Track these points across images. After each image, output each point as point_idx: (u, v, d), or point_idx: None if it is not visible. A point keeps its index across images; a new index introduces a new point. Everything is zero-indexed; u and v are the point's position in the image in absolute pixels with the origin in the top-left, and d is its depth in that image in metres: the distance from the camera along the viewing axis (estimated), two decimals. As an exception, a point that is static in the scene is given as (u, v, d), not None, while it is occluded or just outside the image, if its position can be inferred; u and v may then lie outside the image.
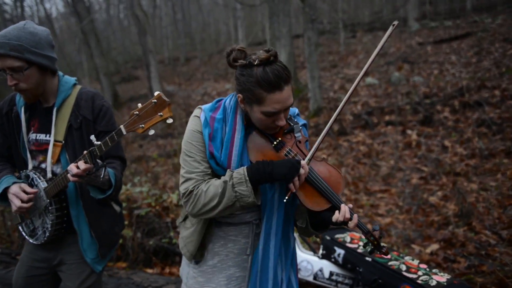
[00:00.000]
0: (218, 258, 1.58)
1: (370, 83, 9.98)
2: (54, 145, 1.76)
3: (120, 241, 3.39)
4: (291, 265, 1.57)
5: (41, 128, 1.80)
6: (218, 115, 1.48)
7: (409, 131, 6.81)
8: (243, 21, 16.81)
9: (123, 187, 3.74)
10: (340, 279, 2.39)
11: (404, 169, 5.52)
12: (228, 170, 1.42)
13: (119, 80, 19.40)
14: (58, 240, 1.85)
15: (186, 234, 1.61)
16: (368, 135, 7.24)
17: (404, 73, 9.96)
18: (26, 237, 1.89)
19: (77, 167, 1.52)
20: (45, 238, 1.78)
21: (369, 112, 8.08)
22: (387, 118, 7.64)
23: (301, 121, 1.56)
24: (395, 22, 1.44)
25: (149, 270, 3.21)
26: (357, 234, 2.51)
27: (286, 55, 10.40)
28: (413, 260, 2.18)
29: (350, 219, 1.34)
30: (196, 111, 1.53)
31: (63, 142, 1.76)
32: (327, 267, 2.42)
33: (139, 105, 1.40)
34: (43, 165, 1.80)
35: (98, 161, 1.56)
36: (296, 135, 1.46)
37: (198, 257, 1.60)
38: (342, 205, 1.36)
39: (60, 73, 1.84)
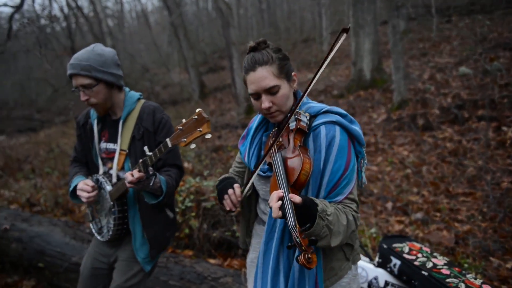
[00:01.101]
0: (255, 254, 1.67)
1: (464, 73, 9.14)
2: (119, 153, 1.98)
3: (187, 230, 3.61)
4: (307, 278, 1.43)
5: (110, 138, 2.03)
6: (259, 115, 1.67)
7: (504, 128, 6.14)
8: (328, 8, 16.38)
9: (192, 180, 3.95)
10: (395, 290, 2.28)
11: (494, 171, 5.01)
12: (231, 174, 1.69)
13: (206, 70, 20.23)
14: (119, 239, 2.06)
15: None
16: (457, 131, 6.67)
17: (504, 62, 8.94)
18: (95, 234, 2.11)
19: (131, 175, 1.69)
20: (109, 236, 1.99)
21: (459, 106, 7.43)
22: (480, 112, 6.96)
23: (328, 117, 1.44)
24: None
25: (212, 261, 3.37)
26: (417, 245, 2.37)
27: (370, 44, 9.97)
28: (475, 279, 1.99)
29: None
30: None
31: (127, 151, 1.96)
32: (382, 276, 2.33)
33: (183, 120, 1.50)
34: (111, 171, 2.01)
35: (150, 169, 1.70)
36: (291, 125, 1.45)
37: (243, 245, 1.79)
38: (279, 191, 1.27)
39: (127, 88, 2.05)
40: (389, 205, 4.46)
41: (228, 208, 1.54)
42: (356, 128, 1.45)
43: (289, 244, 1.22)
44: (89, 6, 21.35)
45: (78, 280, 2.14)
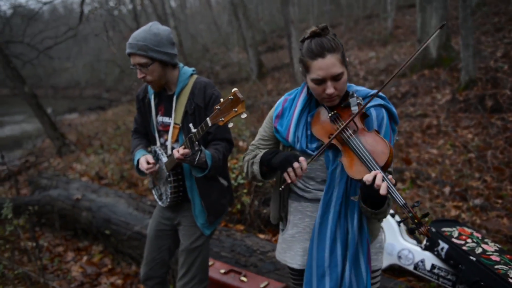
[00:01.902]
0: (296, 230, 1.74)
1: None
2: (173, 127, 2.11)
3: (239, 206, 3.76)
4: (360, 245, 1.58)
5: (166, 112, 2.16)
6: (291, 96, 1.74)
7: None
8: (393, -18, 15.56)
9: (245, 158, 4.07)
10: (442, 273, 2.25)
11: None
12: (260, 151, 1.74)
13: (264, 49, 20.19)
14: (178, 205, 2.23)
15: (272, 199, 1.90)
16: (530, 113, 6.18)
17: None
18: (156, 199, 2.31)
19: (177, 152, 1.83)
20: (168, 202, 2.16)
21: (535, 85, 6.84)
22: (559, 92, 6.37)
23: (376, 101, 1.59)
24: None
25: (261, 236, 3.49)
26: (467, 230, 2.30)
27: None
28: (527, 268, 1.91)
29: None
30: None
31: (180, 124, 2.07)
32: (429, 259, 2.30)
33: (221, 100, 1.58)
34: (167, 143, 2.15)
35: (196, 144, 1.82)
36: (353, 108, 1.51)
37: (275, 221, 1.88)
38: (379, 174, 1.37)
39: (181, 64, 2.16)
40: (447, 189, 4.30)
41: (290, 181, 1.54)
42: (394, 109, 1.62)
43: (401, 219, 1.40)
44: (153, -12, 22.05)
45: (146, 242, 2.37)
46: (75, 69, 28.84)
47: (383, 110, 1.58)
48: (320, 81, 1.51)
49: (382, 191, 1.34)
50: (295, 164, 1.50)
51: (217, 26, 20.01)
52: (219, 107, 1.60)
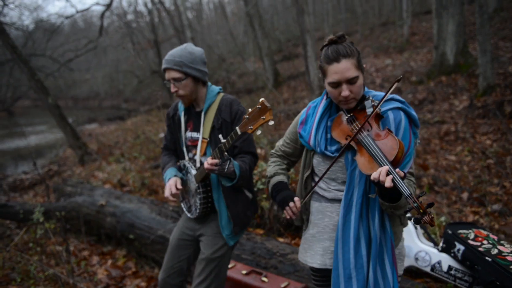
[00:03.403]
0: (316, 229, 1.83)
1: None
2: (202, 141, 2.24)
3: (259, 211, 3.85)
4: (384, 244, 1.64)
5: (194, 128, 2.31)
6: (314, 103, 1.86)
7: None
8: (409, -11, 15.55)
9: (264, 164, 4.17)
10: (459, 274, 2.29)
11: None
12: (275, 179, 1.92)
13: (280, 58, 20.35)
14: (205, 216, 2.33)
15: None
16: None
17: None
18: (186, 211, 2.41)
19: (207, 162, 1.95)
20: (197, 214, 2.28)
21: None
22: None
23: (394, 104, 1.66)
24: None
25: (280, 239, 3.57)
26: (483, 232, 2.34)
27: (454, 26, 9.37)
28: (543, 268, 1.94)
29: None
30: None
31: (208, 139, 2.22)
32: (446, 260, 2.34)
33: (249, 110, 1.69)
34: (195, 157, 2.28)
35: (225, 154, 1.95)
36: (368, 110, 1.62)
37: (298, 222, 1.98)
38: (385, 166, 1.45)
39: (209, 83, 2.29)
40: (465, 195, 4.31)
41: (289, 217, 1.77)
42: (414, 113, 1.66)
43: (406, 209, 1.44)
44: (170, 0, 22.55)
45: (167, 249, 2.47)
46: (94, 81, 29.55)
47: (401, 113, 1.64)
48: (336, 84, 1.62)
49: (387, 183, 1.41)
50: (290, 204, 1.74)
51: (233, 36, 20.27)
52: (247, 116, 1.72)
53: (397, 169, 1.44)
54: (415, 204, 1.36)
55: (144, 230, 3.92)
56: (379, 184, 1.45)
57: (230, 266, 2.91)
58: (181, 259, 2.41)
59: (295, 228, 3.71)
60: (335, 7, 24.09)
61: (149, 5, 22.02)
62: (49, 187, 6.32)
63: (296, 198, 1.75)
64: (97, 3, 27.83)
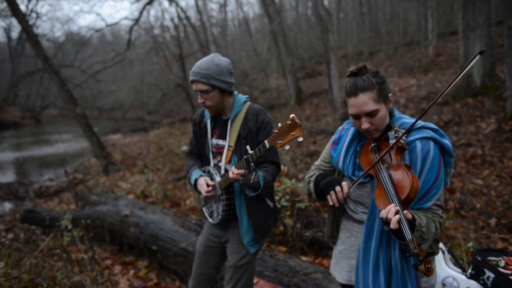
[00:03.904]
0: (344, 246, 1.86)
1: None
2: (227, 149, 2.28)
3: (282, 228, 3.85)
4: (408, 275, 1.60)
5: (220, 135, 2.35)
6: (348, 125, 1.87)
7: None
8: (435, 10, 15.48)
9: (288, 181, 4.19)
10: (489, 303, 2.23)
11: None
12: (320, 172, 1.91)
13: (303, 75, 20.46)
14: (227, 223, 2.37)
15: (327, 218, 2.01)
16: None
17: None
18: (207, 216, 2.45)
19: (233, 172, 1.99)
20: (218, 220, 2.31)
21: None
22: None
23: (424, 133, 1.60)
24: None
25: (303, 258, 3.56)
26: (515, 260, 2.28)
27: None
28: None
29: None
30: None
31: (234, 147, 2.25)
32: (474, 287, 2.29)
33: (279, 124, 1.73)
34: (220, 164, 2.32)
35: (251, 165, 1.97)
36: (391, 142, 1.60)
37: (334, 240, 1.98)
38: (393, 205, 1.43)
39: (236, 92, 2.34)
40: (493, 221, 4.20)
41: (332, 203, 1.68)
42: (447, 142, 1.61)
43: (407, 254, 1.40)
44: (196, 16, 23.07)
45: (195, 257, 2.51)
46: (119, 92, 30.24)
47: (431, 143, 1.57)
48: (356, 117, 1.64)
49: (392, 225, 1.40)
50: (337, 188, 1.66)
51: (257, 52, 20.52)
52: (277, 131, 1.76)
53: (406, 211, 1.42)
54: (415, 251, 1.34)
55: (167, 242, 3.96)
56: (386, 222, 1.45)
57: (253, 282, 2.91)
58: (209, 266, 2.45)
59: (318, 247, 3.69)
60: (359, 26, 24.15)
61: (176, 20, 22.54)
62: (78, 195, 6.47)
63: (344, 183, 1.68)
64: (126, 18, 28.68)
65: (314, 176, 1.87)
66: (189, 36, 24.15)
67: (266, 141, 1.84)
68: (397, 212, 1.41)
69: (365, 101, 1.58)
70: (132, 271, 4.22)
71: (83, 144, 16.35)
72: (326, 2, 11.37)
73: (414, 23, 22.65)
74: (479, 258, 2.34)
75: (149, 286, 3.88)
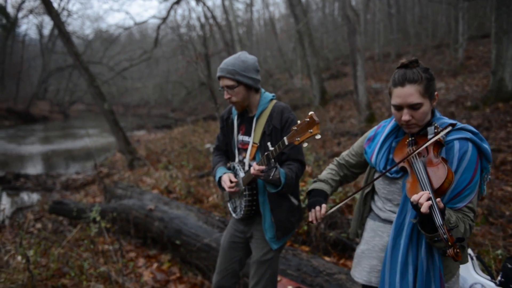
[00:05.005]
0: (366, 246, 1.85)
1: None
2: (252, 146, 2.31)
3: (305, 227, 3.84)
4: (433, 274, 1.59)
5: (246, 132, 2.38)
6: (386, 122, 1.87)
7: None
8: (466, 12, 15.10)
9: (311, 181, 4.16)
10: (519, 312, 2.17)
11: None
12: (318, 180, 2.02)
13: (328, 76, 20.31)
14: (251, 218, 2.39)
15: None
16: None
17: None
18: (231, 211, 2.48)
19: (253, 168, 2.01)
20: (241, 215, 2.34)
21: None
22: None
23: (463, 134, 1.59)
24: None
25: (327, 258, 3.54)
26: (548, 269, 2.21)
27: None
28: None
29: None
30: None
31: (258, 144, 2.27)
32: (504, 295, 2.24)
33: (298, 122, 1.74)
34: (244, 160, 2.35)
35: (272, 162, 1.99)
36: (429, 137, 1.59)
37: (353, 236, 1.99)
38: (426, 191, 1.44)
39: (262, 90, 2.36)
40: (523, 229, 4.08)
41: (310, 219, 1.83)
42: (486, 146, 1.60)
43: (436, 239, 1.42)
44: (222, 15, 23.25)
45: (219, 252, 2.55)
46: (145, 89, 30.76)
47: (469, 144, 1.57)
48: (398, 107, 1.63)
49: (423, 209, 1.40)
50: (317, 208, 1.81)
51: (281, 52, 20.49)
52: (296, 128, 1.78)
53: (438, 199, 1.43)
54: (445, 236, 1.35)
55: (191, 237, 4.01)
56: (417, 207, 1.45)
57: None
58: (234, 261, 2.48)
59: (342, 248, 3.67)
60: (386, 27, 23.82)
61: (202, 19, 22.78)
62: (106, 188, 6.63)
63: (323, 205, 1.81)
64: (154, 16, 29.13)
65: (312, 187, 2.00)
66: (215, 35, 24.36)
67: (285, 138, 1.86)
68: (429, 199, 1.41)
69: (411, 92, 1.58)
70: (155, 264, 4.29)
71: (108, 139, 16.73)
72: (353, 3, 11.24)
73: (444, 25, 22.19)
74: (509, 266, 2.29)
75: (171, 279, 3.94)
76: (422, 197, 1.42)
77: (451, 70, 14.35)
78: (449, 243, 1.34)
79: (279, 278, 2.95)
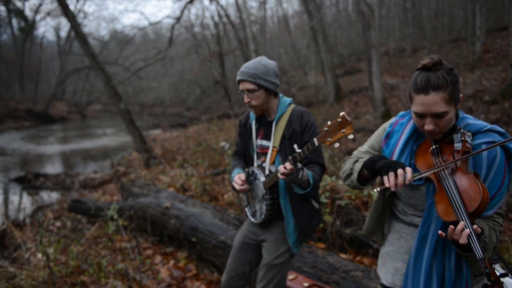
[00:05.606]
0: (391, 248, 1.80)
1: None
2: (272, 150, 2.32)
3: (321, 224, 3.83)
4: (459, 284, 1.53)
5: (265, 136, 2.39)
6: (403, 119, 1.73)
7: None
8: (483, 5, 14.79)
9: (329, 178, 4.16)
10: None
11: None
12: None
13: (342, 73, 20.17)
14: (268, 222, 2.40)
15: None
16: None
17: None
18: (249, 216, 2.49)
19: (284, 168, 1.99)
20: (261, 219, 2.35)
21: None
22: None
23: (491, 137, 1.48)
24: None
25: (342, 255, 3.52)
26: None
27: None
28: None
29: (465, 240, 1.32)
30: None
31: (278, 148, 2.29)
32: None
33: (329, 122, 1.72)
34: (264, 164, 2.36)
35: (299, 164, 1.98)
36: (456, 145, 1.46)
37: (373, 236, 1.90)
38: (461, 222, 1.33)
39: (281, 94, 2.38)
40: (544, 225, 3.99)
41: (388, 186, 1.49)
42: None
43: (477, 273, 1.35)
44: (235, 13, 23.25)
45: (231, 252, 2.55)
46: (160, 89, 31.00)
47: (498, 148, 1.45)
48: (420, 116, 1.49)
49: (462, 240, 1.31)
50: (399, 171, 1.46)
51: (295, 49, 20.41)
52: (326, 128, 1.74)
53: (475, 226, 1.33)
54: (487, 270, 1.25)
55: (207, 235, 4.04)
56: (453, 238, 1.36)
57: (292, 277, 2.92)
58: (244, 262, 2.48)
59: (358, 245, 3.65)
60: (402, 22, 23.48)
61: (216, 18, 22.84)
62: (123, 187, 6.72)
63: (408, 169, 1.47)
64: (168, 16, 29.32)
65: (365, 157, 1.73)
66: (229, 34, 24.41)
67: (315, 139, 1.82)
68: (464, 227, 1.32)
69: (435, 101, 1.43)
70: (172, 262, 4.33)
71: (125, 138, 16.94)
72: (368, -2, 11.13)
73: (461, 18, 21.75)
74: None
75: (188, 276, 3.98)
76: (456, 233, 1.34)
77: (469, 64, 14.09)
78: (492, 279, 1.24)
79: (294, 276, 2.95)
